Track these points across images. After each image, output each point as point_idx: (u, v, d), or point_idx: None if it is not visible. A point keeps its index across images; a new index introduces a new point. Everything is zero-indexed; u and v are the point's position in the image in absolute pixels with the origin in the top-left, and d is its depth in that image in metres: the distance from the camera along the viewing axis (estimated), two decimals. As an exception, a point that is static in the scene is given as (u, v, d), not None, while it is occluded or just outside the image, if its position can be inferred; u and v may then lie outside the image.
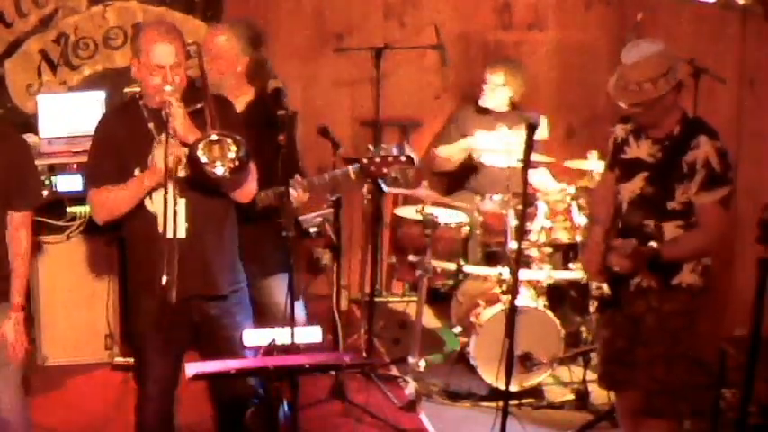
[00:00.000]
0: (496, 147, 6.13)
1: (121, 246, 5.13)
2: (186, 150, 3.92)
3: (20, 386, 4.25)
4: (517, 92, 6.33)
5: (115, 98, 5.71)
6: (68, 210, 5.67)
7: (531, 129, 4.18)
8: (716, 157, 4.06)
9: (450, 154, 6.38)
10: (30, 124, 6.02)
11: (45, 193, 5.55)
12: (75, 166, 5.57)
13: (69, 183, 5.60)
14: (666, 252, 4.05)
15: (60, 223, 5.69)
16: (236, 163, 3.91)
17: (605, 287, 4.35)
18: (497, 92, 6.31)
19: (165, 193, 3.89)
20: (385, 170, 4.66)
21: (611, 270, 4.22)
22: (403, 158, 4.64)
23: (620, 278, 4.22)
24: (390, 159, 4.64)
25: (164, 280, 3.81)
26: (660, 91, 4.05)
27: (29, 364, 4.35)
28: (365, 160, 4.61)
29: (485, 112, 6.40)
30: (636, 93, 4.06)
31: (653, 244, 4.04)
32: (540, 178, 6.19)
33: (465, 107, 6.59)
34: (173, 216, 3.89)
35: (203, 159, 3.88)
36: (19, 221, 4.13)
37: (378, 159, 4.63)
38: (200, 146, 3.88)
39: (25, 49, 6.26)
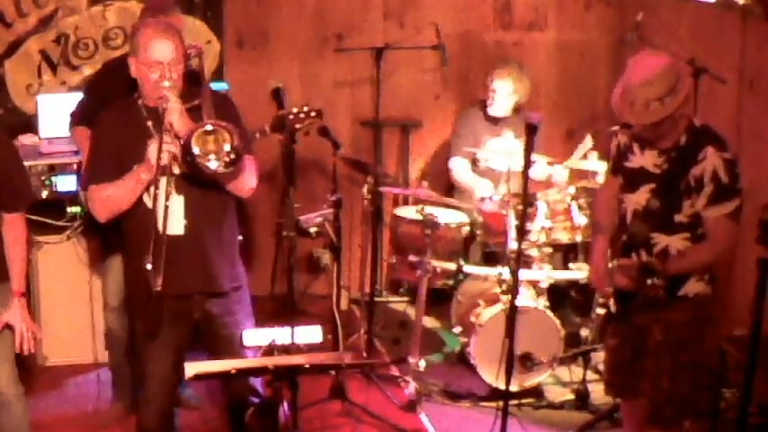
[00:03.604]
0: (498, 150, 6.14)
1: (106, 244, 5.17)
2: (180, 142, 3.91)
3: (13, 365, 4.27)
4: (524, 95, 6.29)
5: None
6: (68, 210, 5.67)
7: (532, 129, 4.16)
8: (724, 170, 3.98)
9: (474, 187, 6.27)
10: (30, 124, 6.03)
11: (45, 193, 5.58)
12: (75, 166, 5.58)
13: (69, 183, 5.60)
14: (672, 268, 4.00)
15: (60, 223, 5.69)
16: (232, 156, 3.90)
17: (611, 303, 4.33)
18: (507, 100, 6.25)
19: (156, 188, 3.88)
20: (297, 125, 4.89)
21: (617, 286, 4.19)
22: (313, 114, 4.98)
23: (627, 292, 4.18)
24: (302, 115, 4.90)
25: (148, 266, 3.77)
26: (668, 110, 3.95)
27: (26, 358, 4.35)
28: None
29: (491, 118, 6.36)
30: (643, 112, 3.96)
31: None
32: (541, 170, 6.16)
33: (472, 110, 6.50)
34: (163, 211, 3.87)
35: (197, 152, 3.86)
36: (10, 221, 4.17)
37: (291, 116, 4.85)
38: (195, 136, 3.86)
39: (25, 49, 6.25)
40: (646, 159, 4.16)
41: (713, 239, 4.05)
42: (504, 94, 6.22)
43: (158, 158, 3.86)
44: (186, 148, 3.87)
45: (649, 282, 3.94)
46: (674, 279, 4.08)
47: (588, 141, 6.00)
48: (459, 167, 6.36)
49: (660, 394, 4.20)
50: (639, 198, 4.16)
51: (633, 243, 4.17)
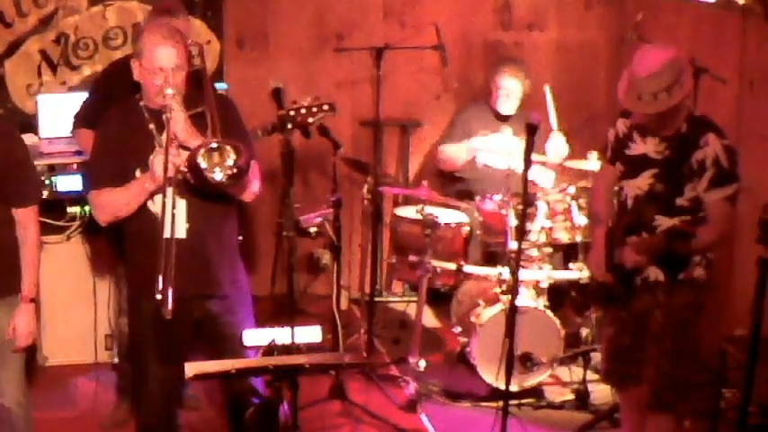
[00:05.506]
0: (496, 148, 6.14)
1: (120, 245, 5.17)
2: (185, 157, 3.92)
3: (23, 377, 4.29)
4: (528, 93, 6.32)
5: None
6: (68, 210, 5.67)
7: (532, 129, 4.19)
8: (725, 155, 4.11)
9: (455, 155, 6.34)
10: (30, 124, 6.02)
11: (45, 192, 5.58)
12: (75, 166, 5.58)
13: (69, 183, 5.60)
14: (683, 247, 4.08)
15: (60, 223, 5.69)
16: (235, 170, 3.91)
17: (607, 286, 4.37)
18: (517, 97, 6.26)
19: (164, 197, 3.88)
20: (310, 119, 4.69)
21: (620, 267, 4.25)
22: (325, 107, 4.73)
23: (628, 275, 4.25)
24: (314, 109, 4.70)
25: (158, 296, 3.77)
26: (675, 99, 4.08)
27: (32, 357, 4.36)
28: (291, 112, 4.64)
29: (498, 115, 6.35)
30: (651, 103, 4.09)
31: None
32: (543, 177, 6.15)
33: (473, 106, 6.52)
34: (170, 219, 3.88)
35: (203, 165, 3.88)
36: (21, 217, 4.16)
37: (303, 110, 4.69)
38: (201, 152, 3.88)
39: (25, 49, 6.25)
40: (647, 146, 4.28)
41: (713, 221, 4.15)
42: (516, 91, 6.22)
43: (165, 171, 3.85)
44: (192, 163, 3.88)
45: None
46: (675, 263, 4.20)
47: (593, 159, 5.97)
48: (449, 149, 6.36)
49: (662, 378, 4.27)
50: (642, 183, 4.26)
51: (638, 225, 4.24)
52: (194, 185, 4.00)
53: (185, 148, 3.95)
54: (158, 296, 3.76)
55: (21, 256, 4.16)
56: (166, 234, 3.85)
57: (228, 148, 3.90)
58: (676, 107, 4.12)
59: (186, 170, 3.95)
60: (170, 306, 3.76)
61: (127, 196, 4.04)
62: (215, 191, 4.02)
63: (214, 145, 3.90)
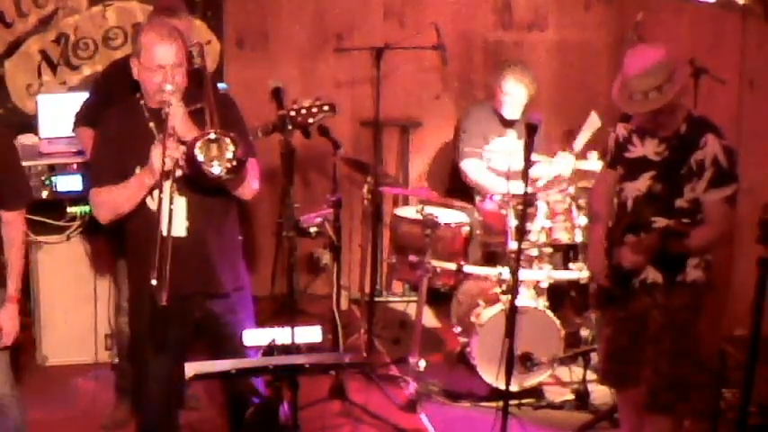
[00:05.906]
0: (502, 150, 6.13)
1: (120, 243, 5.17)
2: (183, 149, 3.93)
3: (10, 372, 4.31)
4: (533, 96, 6.25)
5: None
6: (68, 210, 5.67)
7: (532, 129, 4.20)
8: (724, 155, 4.12)
9: (494, 185, 6.07)
10: (30, 124, 6.02)
11: (45, 192, 5.59)
12: (75, 166, 5.58)
13: (69, 183, 5.60)
14: (677, 246, 4.08)
15: (60, 223, 5.69)
16: (234, 163, 3.91)
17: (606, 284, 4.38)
18: (522, 102, 6.15)
19: (160, 192, 3.89)
20: (310, 120, 4.81)
21: (618, 267, 4.26)
22: (326, 107, 4.85)
23: (626, 275, 4.26)
24: (314, 110, 4.78)
25: (153, 282, 3.79)
26: (666, 98, 4.09)
27: (26, 358, 4.38)
28: (292, 112, 4.66)
29: (504, 119, 6.29)
30: (643, 102, 4.11)
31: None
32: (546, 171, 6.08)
33: (478, 108, 6.41)
34: (168, 215, 3.88)
35: (200, 158, 3.88)
36: (10, 219, 4.20)
37: (303, 110, 4.77)
38: (199, 144, 3.88)
39: (25, 49, 6.26)
40: (646, 149, 4.29)
41: (712, 222, 4.16)
42: (522, 97, 6.15)
43: (162, 164, 3.86)
44: (190, 155, 3.88)
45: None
46: (672, 265, 4.20)
47: (595, 119, 5.91)
48: (472, 168, 6.18)
49: (660, 379, 4.27)
50: (641, 185, 4.27)
51: (636, 225, 4.24)
52: (195, 181, 3.99)
53: (184, 143, 3.95)
54: (153, 281, 3.76)
55: (7, 256, 4.19)
56: (163, 226, 3.86)
57: (227, 140, 3.89)
58: (670, 106, 4.13)
59: (184, 164, 3.95)
60: (165, 294, 3.76)
61: (127, 192, 4.04)
62: (213, 186, 4.02)
63: (212, 136, 3.89)
